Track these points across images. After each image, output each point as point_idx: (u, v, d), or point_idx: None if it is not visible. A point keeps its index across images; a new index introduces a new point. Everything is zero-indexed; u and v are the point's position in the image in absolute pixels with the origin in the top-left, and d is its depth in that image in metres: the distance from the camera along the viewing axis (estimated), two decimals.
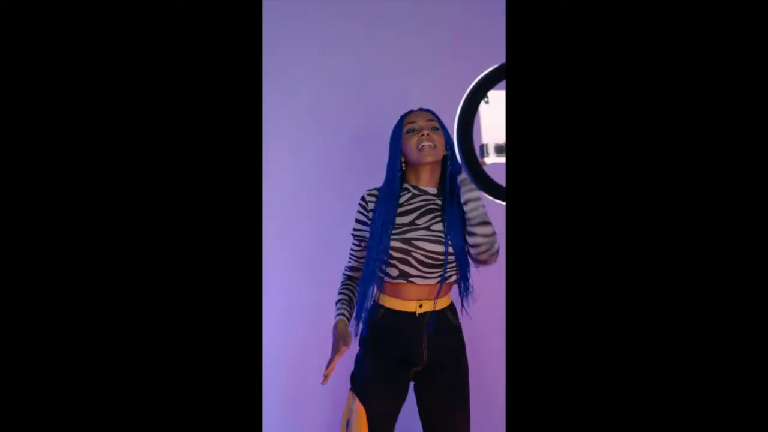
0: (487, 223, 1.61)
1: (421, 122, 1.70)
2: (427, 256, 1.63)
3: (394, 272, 1.65)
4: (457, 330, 1.72)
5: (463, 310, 1.72)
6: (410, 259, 1.63)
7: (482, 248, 1.61)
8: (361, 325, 1.71)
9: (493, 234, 1.62)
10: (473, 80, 1.36)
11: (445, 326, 1.68)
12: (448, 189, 1.69)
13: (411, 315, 1.65)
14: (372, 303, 1.72)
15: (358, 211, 1.74)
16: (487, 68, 1.33)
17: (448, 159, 1.72)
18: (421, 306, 1.66)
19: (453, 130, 1.48)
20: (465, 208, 1.62)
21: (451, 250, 1.64)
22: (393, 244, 1.64)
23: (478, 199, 1.61)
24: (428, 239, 1.64)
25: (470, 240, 1.62)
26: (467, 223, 1.62)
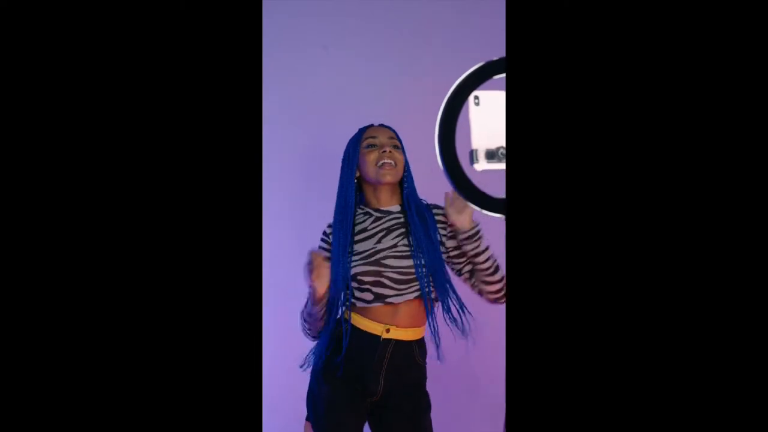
0: (498, 267, 1.54)
1: (382, 138, 1.60)
2: (399, 272, 1.52)
3: (368, 297, 1.53)
4: (420, 368, 1.57)
5: (460, 330, 1.57)
6: (383, 279, 1.52)
7: (502, 292, 1.55)
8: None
9: (503, 275, 1.55)
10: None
11: (407, 360, 1.54)
12: (411, 207, 1.58)
13: (375, 338, 1.52)
14: (340, 317, 1.59)
15: (320, 247, 1.64)
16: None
17: (405, 179, 1.61)
18: (388, 331, 1.52)
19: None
20: (477, 260, 1.53)
21: (421, 262, 1.52)
22: (362, 269, 1.52)
23: (487, 249, 1.53)
24: (397, 255, 1.53)
25: (489, 288, 1.55)
26: (482, 274, 1.54)
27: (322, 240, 1.65)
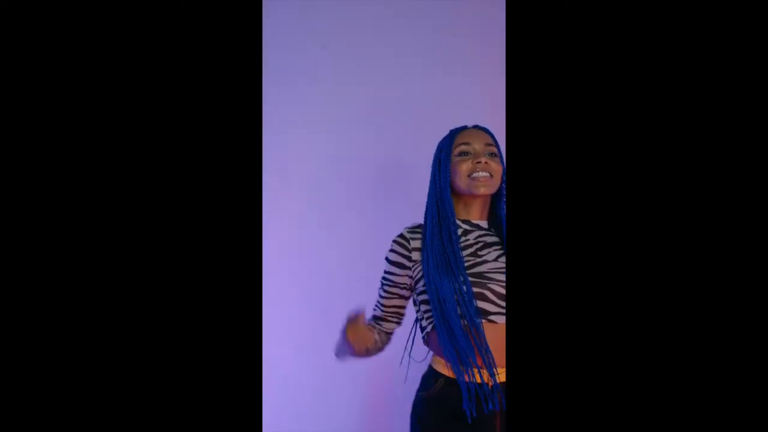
0: None
1: (477, 145, 1.40)
2: (504, 287, 1.33)
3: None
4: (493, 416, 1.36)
5: None
6: (487, 293, 1.32)
7: None
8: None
9: None
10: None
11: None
12: (502, 226, 1.42)
13: (480, 387, 1.29)
14: (426, 369, 1.39)
15: (394, 251, 1.42)
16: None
17: (501, 190, 1.43)
18: (494, 376, 1.29)
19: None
20: None
21: None
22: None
23: None
24: (502, 271, 1.35)
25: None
26: None
27: (396, 252, 1.43)
